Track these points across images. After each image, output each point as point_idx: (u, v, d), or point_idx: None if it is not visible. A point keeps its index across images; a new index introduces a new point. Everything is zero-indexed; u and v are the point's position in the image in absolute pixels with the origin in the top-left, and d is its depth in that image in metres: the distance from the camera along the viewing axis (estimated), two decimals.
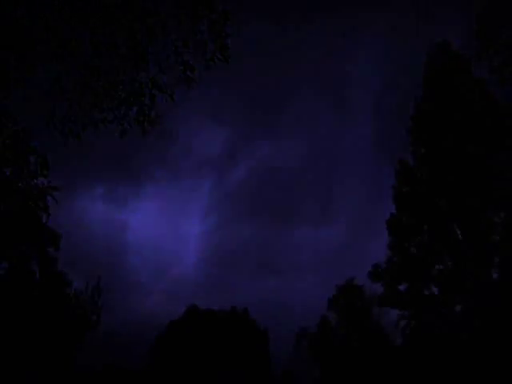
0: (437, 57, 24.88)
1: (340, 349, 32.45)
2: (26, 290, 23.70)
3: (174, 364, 38.80)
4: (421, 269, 23.70)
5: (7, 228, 21.44)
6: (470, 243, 22.80)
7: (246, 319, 41.82)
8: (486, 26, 18.15)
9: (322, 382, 33.62)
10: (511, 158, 22.23)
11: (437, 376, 21.90)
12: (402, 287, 24.45)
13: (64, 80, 9.36)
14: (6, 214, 21.34)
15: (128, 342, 38.14)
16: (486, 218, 22.78)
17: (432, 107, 24.26)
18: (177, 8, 9.61)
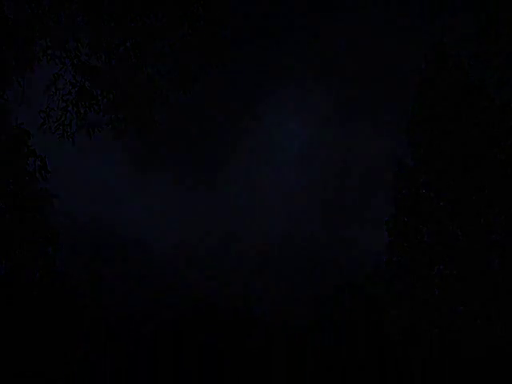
0: (433, 57, 25.00)
1: (339, 349, 32.47)
2: (25, 290, 23.72)
3: (172, 364, 38.83)
4: (421, 269, 23.73)
5: (7, 227, 21.46)
6: (470, 243, 22.83)
7: (246, 319, 41.84)
8: (486, 26, 18.15)
9: (323, 383, 33.64)
10: (510, 158, 22.25)
11: (437, 376, 21.94)
12: (401, 287, 24.49)
13: (60, 81, 9.33)
14: (5, 214, 21.33)
15: (127, 340, 38.12)
16: (485, 218, 22.81)
17: (430, 107, 24.32)
18: (175, 8, 9.58)
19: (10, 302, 22.75)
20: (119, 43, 9.45)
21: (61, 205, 22.97)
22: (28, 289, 23.74)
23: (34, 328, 23.28)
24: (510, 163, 22.18)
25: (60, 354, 25.21)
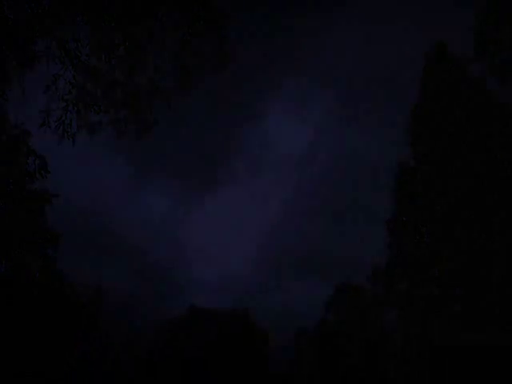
0: (434, 57, 25.00)
1: (340, 349, 32.45)
2: (25, 289, 23.74)
3: (172, 364, 38.83)
4: (421, 269, 23.73)
5: (7, 227, 21.46)
6: (469, 243, 22.82)
7: (246, 320, 41.83)
8: (486, 26, 18.15)
9: None
10: (511, 158, 22.24)
11: (437, 377, 21.88)
12: (401, 287, 24.51)
13: (61, 81, 9.33)
14: (5, 214, 21.34)
15: (127, 341, 38.20)
16: (485, 217, 22.80)
17: (431, 107, 24.32)
18: (175, 8, 9.58)
19: (9, 301, 22.76)
20: (119, 43, 9.46)
21: (61, 205, 23.01)
22: (28, 289, 23.76)
23: (34, 328, 23.28)
24: (510, 163, 22.18)
25: (59, 354, 25.22)
